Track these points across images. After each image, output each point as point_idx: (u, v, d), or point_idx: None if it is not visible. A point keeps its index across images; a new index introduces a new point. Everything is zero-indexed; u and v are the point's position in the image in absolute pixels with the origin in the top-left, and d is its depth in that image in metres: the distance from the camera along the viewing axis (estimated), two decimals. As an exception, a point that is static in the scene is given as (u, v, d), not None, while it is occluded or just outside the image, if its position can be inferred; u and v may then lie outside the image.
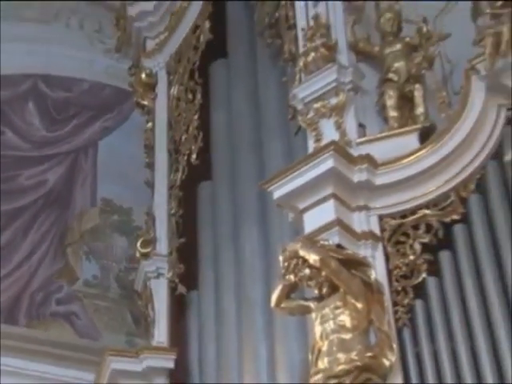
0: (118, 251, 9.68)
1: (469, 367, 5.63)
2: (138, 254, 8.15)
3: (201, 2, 8.61)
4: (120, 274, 9.56)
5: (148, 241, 8.11)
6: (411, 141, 6.52)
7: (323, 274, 5.79)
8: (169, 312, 7.77)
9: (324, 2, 7.21)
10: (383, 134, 6.67)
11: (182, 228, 8.07)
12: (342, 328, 5.66)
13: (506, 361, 5.53)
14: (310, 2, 7.33)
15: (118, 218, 9.81)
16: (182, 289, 7.80)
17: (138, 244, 8.16)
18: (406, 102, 6.81)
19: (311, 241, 5.97)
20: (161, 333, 7.68)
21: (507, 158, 6.02)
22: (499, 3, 6.41)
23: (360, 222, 6.25)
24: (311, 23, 7.14)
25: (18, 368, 8.38)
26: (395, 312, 5.95)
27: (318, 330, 5.77)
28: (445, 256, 6.09)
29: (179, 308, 7.81)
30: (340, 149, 6.34)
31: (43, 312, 9.22)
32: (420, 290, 6.03)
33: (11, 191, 9.58)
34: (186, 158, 8.25)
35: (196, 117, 8.33)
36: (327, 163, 6.25)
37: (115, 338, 9.07)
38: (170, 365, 7.43)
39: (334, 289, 5.79)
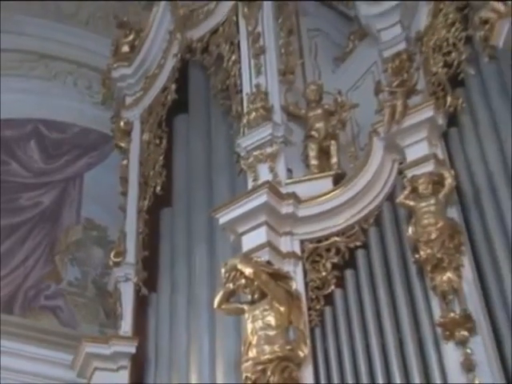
0: (95, 260, 9.57)
1: (363, 359, 5.67)
2: (111, 263, 8.04)
3: (169, 69, 8.55)
4: (96, 278, 9.45)
5: (119, 252, 7.99)
6: (326, 183, 6.53)
7: (255, 283, 5.79)
8: (133, 309, 7.64)
9: (263, 75, 7.25)
10: (306, 177, 6.67)
11: (146, 243, 7.95)
12: (268, 326, 5.67)
13: (392, 358, 5.58)
14: (253, 74, 7.34)
15: (96, 233, 9.72)
16: (144, 291, 7.69)
17: (112, 255, 8.05)
18: (323, 153, 6.79)
19: (247, 257, 5.98)
20: (126, 325, 7.56)
21: (398, 200, 6.02)
22: (395, 83, 6.52)
23: (285, 244, 6.25)
24: (254, 90, 7.16)
25: (14, 349, 8.25)
26: (309, 315, 5.95)
27: (249, 327, 5.77)
28: (349, 273, 6.12)
29: (141, 306, 7.67)
30: (272, 187, 6.35)
31: (34, 305, 9.09)
32: (329, 299, 6.05)
33: (13, 209, 9.48)
34: (152, 189, 8.16)
35: (161, 157, 8.24)
36: (262, 198, 6.27)
37: (90, 328, 8.94)
38: (133, 350, 7.31)
39: (263, 295, 5.80)
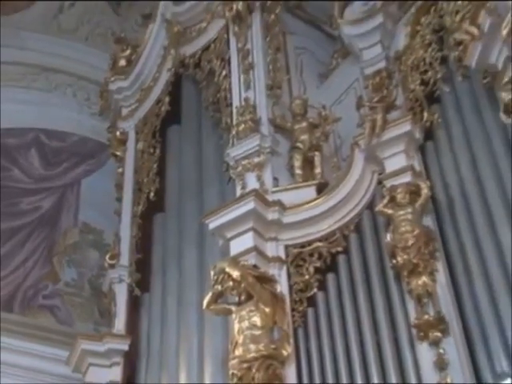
0: (91, 261, 9.55)
1: (343, 358, 5.67)
2: (106, 265, 8.01)
3: (163, 82, 8.53)
4: (92, 279, 9.43)
5: (114, 255, 7.95)
6: (310, 192, 6.53)
7: (242, 286, 5.78)
8: (126, 308, 7.62)
9: (252, 89, 7.26)
10: (291, 186, 6.66)
11: (139, 247, 7.92)
12: (253, 326, 5.67)
13: (370, 357, 5.58)
14: (242, 88, 7.34)
15: (93, 237, 9.70)
16: (137, 292, 7.66)
17: (107, 257, 8.02)
18: (308, 164, 6.79)
19: (235, 261, 5.96)
20: (120, 323, 7.54)
21: (377, 208, 6.04)
22: (375, 99, 6.53)
23: (271, 249, 6.25)
24: (243, 103, 7.16)
25: (13, 345, 8.24)
26: (293, 316, 5.95)
27: (236, 327, 5.76)
28: (330, 277, 6.12)
29: (134, 306, 7.65)
30: (259, 195, 6.35)
31: (33, 304, 9.07)
32: (312, 301, 6.05)
33: (14, 213, 9.46)
34: (146, 195, 8.13)
35: (155, 166, 8.22)
36: (249, 205, 6.27)
37: (85, 326, 8.93)
38: (125, 348, 7.30)
39: (249, 297, 5.79)
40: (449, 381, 5.19)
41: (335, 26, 7.53)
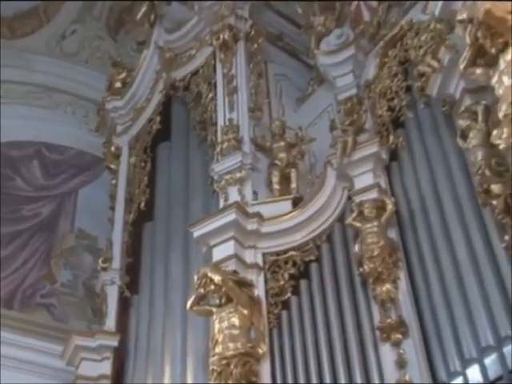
0: (85, 264, 9.48)
1: (313, 357, 5.68)
2: (99, 268, 7.99)
3: (155, 103, 8.52)
4: (86, 280, 9.36)
5: (107, 259, 7.92)
6: (286, 205, 6.55)
7: (223, 289, 5.79)
8: (117, 308, 7.59)
9: (236, 111, 7.28)
10: (269, 200, 6.68)
11: (130, 252, 7.91)
12: (232, 326, 5.67)
13: (337, 356, 5.61)
14: (227, 110, 7.37)
15: (87, 242, 9.63)
16: (127, 293, 7.64)
17: (100, 261, 7.99)
18: (285, 179, 6.80)
19: (217, 267, 5.98)
20: (110, 322, 7.50)
21: (347, 221, 6.08)
22: (347, 122, 6.57)
23: (250, 256, 6.25)
24: (227, 123, 7.18)
25: (13, 340, 8.17)
26: (268, 318, 5.96)
27: (216, 326, 5.76)
28: (303, 283, 6.14)
29: (124, 306, 7.63)
30: (240, 207, 6.36)
31: (31, 302, 8.99)
32: (286, 305, 6.06)
33: (16, 219, 9.40)
34: (136, 205, 8.11)
35: (146, 178, 8.20)
36: (231, 216, 6.29)
37: (79, 324, 8.84)
38: (115, 344, 7.27)
39: (229, 300, 5.80)
40: (407, 378, 5.22)
41: (312, 56, 7.57)
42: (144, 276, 7.61)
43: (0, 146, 9.64)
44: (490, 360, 4.89)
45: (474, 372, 4.95)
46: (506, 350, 4.83)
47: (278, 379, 5.69)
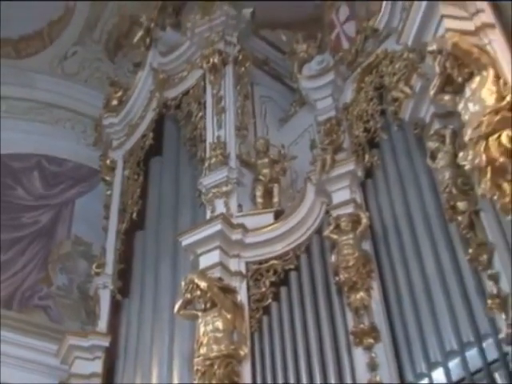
0: (80, 269, 9.41)
1: (291, 359, 5.69)
2: (93, 272, 7.94)
3: (148, 120, 8.51)
4: (80, 284, 9.29)
5: (100, 264, 7.88)
6: (269, 218, 6.56)
7: (208, 295, 5.79)
8: (109, 311, 7.56)
9: (223, 129, 7.29)
10: (253, 212, 6.69)
11: (122, 258, 7.86)
12: (216, 329, 5.67)
13: (314, 358, 5.61)
14: (215, 128, 7.36)
15: (83, 248, 9.57)
16: (118, 297, 7.60)
17: (94, 266, 7.96)
18: (268, 193, 6.81)
19: (203, 274, 5.98)
20: (102, 324, 7.46)
21: (325, 233, 6.09)
22: (326, 142, 6.61)
23: (234, 264, 6.25)
24: (215, 140, 7.18)
25: (12, 339, 8.10)
26: (250, 322, 5.96)
27: (201, 329, 5.75)
28: (283, 290, 6.14)
29: (116, 309, 7.58)
30: (226, 218, 6.37)
31: (29, 303, 8.92)
32: (267, 310, 6.07)
33: (16, 226, 9.34)
34: (129, 215, 8.08)
35: (138, 190, 8.17)
36: (217, 226, 6.29)
37: (73, 325, 8.77)
38: (107, 344, 7.23)
39: (213, 305, 5.80)
40: (378, 379, 5.26)
41: (294, 80, 7.61)
42: (135, 281, 7.58)
43: (2, 157, 9.59)
44: (453, 363, 4.94)
45: (438, 374, 5.00)
46: (468, 354, 4.88)
47: (258, 379, 5.68)
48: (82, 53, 10.21)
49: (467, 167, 4.55)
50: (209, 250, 6.25)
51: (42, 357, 8.06)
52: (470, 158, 4.45)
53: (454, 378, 4.90)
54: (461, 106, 4.72)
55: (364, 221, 5.95)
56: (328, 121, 6.87)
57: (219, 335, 5.63)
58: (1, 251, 9.03)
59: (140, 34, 9.05)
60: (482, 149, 4.32)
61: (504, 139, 4.28)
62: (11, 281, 8.99)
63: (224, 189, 6.74)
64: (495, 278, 4.81)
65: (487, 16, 4.91)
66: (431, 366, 5.05)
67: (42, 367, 8.05)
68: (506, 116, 4.38)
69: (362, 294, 5.61)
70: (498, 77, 4.57)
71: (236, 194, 6.75)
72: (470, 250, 5.01)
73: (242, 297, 6.01)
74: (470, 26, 4.89)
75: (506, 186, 4.23)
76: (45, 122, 10.10)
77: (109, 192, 8.66)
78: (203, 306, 5.83)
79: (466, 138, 4.56)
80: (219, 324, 5.67)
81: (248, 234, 6.37)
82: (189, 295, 5.86)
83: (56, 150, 10.03)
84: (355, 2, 7.39)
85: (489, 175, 4.27)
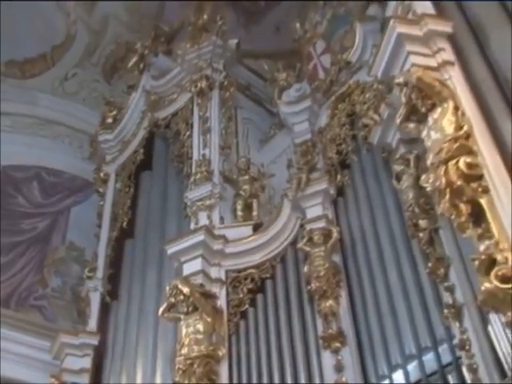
0: (73, 273, 9.35)
1: (265, 360, 5.69)
2: (85, 276, 7.88)
3: (140, 138, 8.48)
4: (73, 287, 9.19)
5: (92, 269, 7.82)
6: (248, 230, 6.56)
7: (190, 299, 5.77)
8: (98, 312, 7.51)
9: (208, 148, 7.29)
10: (233, 224, 6.68)
11: (112, 264, 7.80)
12: (197, 331, 5.65)
13: (286, 360, 5.61)
14: (201, 146, 7.36)
15: (76, 253, 9.49)
16: (108, 299, 7.55)
17: (86, 270, 7.90)
18: (247, 208, 6.80)
19: (186, 280, 5.95)
20: (92, 323, 7.41)
21: (298, 245, 6.11)
22: (302, 162, 6.60)
23: (215, 272, 6.23)
24: (201, 158, 7.18)
25: (9, 336, 8.00)
26: (228, 325, 5.95)
27: (183, 331, 5.74)
28: (260, 297, 6.16)
29: (105, 310, 7.52)
30: (208, 230, 6.36)
31: (26, 303, 8.84)
32: (244, 315, 6.07)
33: (16, 231, 9.26)
34: (120, 224, 8.02)
35: (129, 201, 8.12)
36: (200, 237, 6.27)
37: (66, 324, 8.67)
38: (96, 343, 7.17)
39: (195, 309, 5.78)
40: (344, 380, 5.28)
41: (274, 105, 7.64)
42: (123, 285, 7.53)
43: (4, 168, 9.54)
44: (411, 366, 4.99)
45: (398, 375, 5.03)
46: (425, 358, 4.93)
47: (235, 379, 5.67)
48: (82, 74, 10.22)
49: (429, 189, 4.61)
50: (192, 259, 6.23)
51: (37, 353, 7.96)
52: (431, 180, 4.51)
53: (412, 379, 4.95)
54: (424, 134, 4.78)
55: (335, 235, 5.99)
56: (304, 143, 6.90)
57: (200, 337, 5.61)
58: (1, 254, 8.95)
59: (135, 59, 9.07)
60: (442, 172, 4.38)
61: (461, 164, 4.34)
62: (10, 282, 8.90)
63: (207, 202, 6.73)
64: (451, 290, 4.87)
65: (448, 54, 5.00)
66: (392, 368, 5.08)
67: (37, 362, 7.93)
68: (464, 144, 4.45)
69: (331, 301, 5.63)
70: (456, 108, 4.64)
71: (218, 207, 6.75)
72: (430, 264, 5.06)
73: (222, 302, 6.00)
74: (432, 62, 4.96)
75: (462, 206, 4.29)
76: (45, 137, 10.07)
77: (102, 202, 8.60)
78: (186, 310, 5.81)
79: (428, 163, 4.62)
80: (200, 326, 5.66)
81: (228, 244, 6.36)
82: (173, 299, 5.84)
83: (55, 163, 9.99)
84: (331, 36, 7.46)
85: (447, 196, 4.32)
